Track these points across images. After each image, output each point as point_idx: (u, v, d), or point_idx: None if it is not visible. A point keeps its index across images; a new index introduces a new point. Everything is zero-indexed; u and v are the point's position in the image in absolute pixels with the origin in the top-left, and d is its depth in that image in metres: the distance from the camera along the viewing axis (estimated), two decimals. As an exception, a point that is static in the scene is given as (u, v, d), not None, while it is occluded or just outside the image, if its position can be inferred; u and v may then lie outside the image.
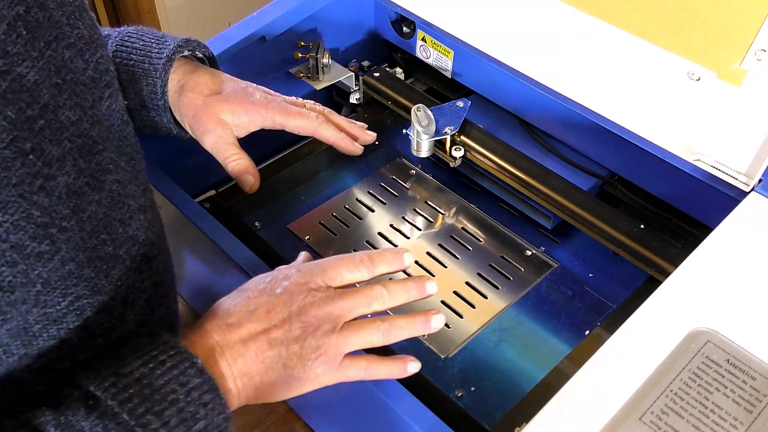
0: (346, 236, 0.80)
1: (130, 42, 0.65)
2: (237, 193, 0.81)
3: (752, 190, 0.62)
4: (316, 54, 0.84)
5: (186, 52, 0.67)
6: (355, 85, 0.89)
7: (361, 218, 0.82)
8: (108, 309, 0.43)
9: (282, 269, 0.53)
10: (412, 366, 0.52)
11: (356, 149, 0.73)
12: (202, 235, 0.67)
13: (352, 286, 0.53)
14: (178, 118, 0.68)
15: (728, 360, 0.49)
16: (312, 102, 0.74)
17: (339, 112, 0.97)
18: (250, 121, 0.66)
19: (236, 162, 0.66)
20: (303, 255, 0.60)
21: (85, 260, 0.41)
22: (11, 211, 0.36)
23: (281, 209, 0.83)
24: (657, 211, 0.78)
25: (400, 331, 0.52)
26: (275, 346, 0.47)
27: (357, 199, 0.85)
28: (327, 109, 0.74)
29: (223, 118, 0.65)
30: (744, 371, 0.48)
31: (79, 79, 0.41)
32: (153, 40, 0.66)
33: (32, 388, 0.42)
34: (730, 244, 0.56)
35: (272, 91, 0.72)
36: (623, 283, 0.74)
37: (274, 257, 0.71)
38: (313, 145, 0.88)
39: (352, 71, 0.88)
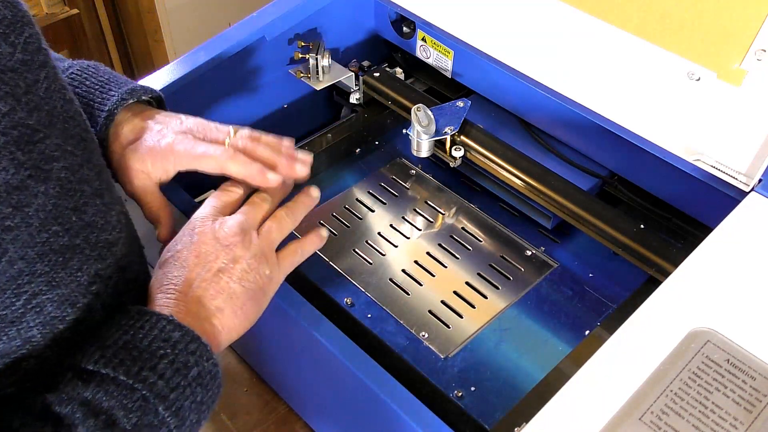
0: (346, 236, 0.80)
1: (73, 86, 0.62)
2: (237, 193, 0.81)
3: (752, 190, 0.62)
4: (316, 54, 0.84)
5: (130, 101, 0.63)
6: (355, 85, 0.89)
7: (361, 218, 0.82)
8: (70, 301, 0.43)
9: (181, 232, 0.56)
10: (324, 231, 0.61)
11: (269, 181, 0.60)
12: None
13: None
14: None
15: (728, 360, 0.49)
16: (244, 130, 0.63)
17: (339, 112, 0.97)
18: (163, 169, 0.62)
19: (164, 223, 0.63)
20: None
21: (36, 256, 0.40)
22: None
23: (281, 209, 0.83)
24: (657, 211, 0.78)
25: (299, 212, 0.60)
26: (223, 275, 0.52)
27: (357, 199, 0.85)
28: (254, 135, 0.63)
29: (139, 168, 0.62)
30: (744, 371, 0.48)
31: (6, 65, 0.39)
32: (97, 86, 0.62)
33: (1, 390, 0.42)
34: (730, 244, 0.56)
35: (195, 127, 0.62)
36: (623, 283, 0.74)
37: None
38: (313, 145, 0.88)
39: (352, 71, 0.88)
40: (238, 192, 0.59)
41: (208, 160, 0.61)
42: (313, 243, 0.60)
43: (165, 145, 0.62)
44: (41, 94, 0.41)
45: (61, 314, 0.43)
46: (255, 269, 0.54)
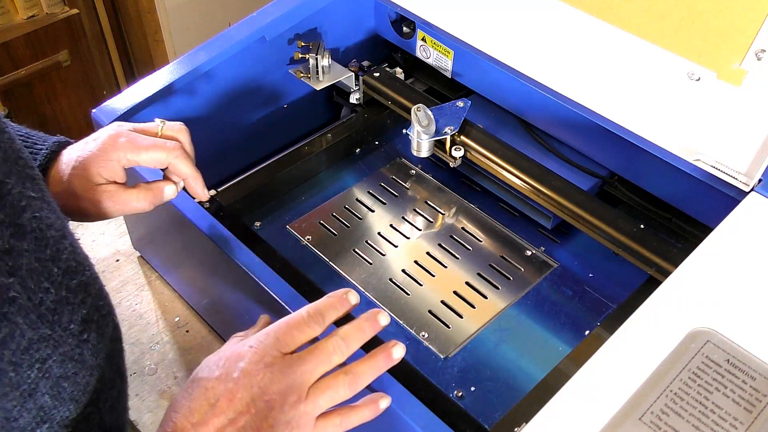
0: (346, 236, 0.80)
1: None
2: (237, 193, 0.81)
3: (752, 190, 0.62)
4: (316, 54, 0.84)
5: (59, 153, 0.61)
6: (355, 85, 0.89)
7: (361, 218, 0.82)
8: (70, 356, 0.41)
9: (232, 347, 0.50)
10: (383, 402, 0.51)
11: (204, 194, 0.65)
12: (202, 235, 0.67)
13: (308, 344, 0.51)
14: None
15: (728, 360, 0.49)
16: (178, 125, 0.64)
17: (339, 112, 0.97)
18: (112, 170, 0.60)
19: (144, 198, 0.61)
20: (263, 319, 0.57)
21: (38, 319, 0.38)
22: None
23: (281, 209, 0.83)
24: (657, 211, 0.78)
25: (365, 377, 0.50)
26: None
27: (357, 199, 0.85)
28: (184, 131, 0.64)
29: (96, 181, 0.60)
30: (744, 371, 0.48)
31: None
32: (21, 140, 0.60)
33: None
34: (730, 244, 0.56)
35: (127, 125, 0.63)
36: (623, 283, 0.74)
37: (274, 257, 0.71)
38: (313, 145, 0.88)
39: (352, 71, 0.88)
40: (312, 332, 0.50)
41: (155, 153, 0.60)
42: (363, 417, 0.50)
43: (103, 145, 0.59)
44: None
45: (64, 372, 0.40)
46: None
